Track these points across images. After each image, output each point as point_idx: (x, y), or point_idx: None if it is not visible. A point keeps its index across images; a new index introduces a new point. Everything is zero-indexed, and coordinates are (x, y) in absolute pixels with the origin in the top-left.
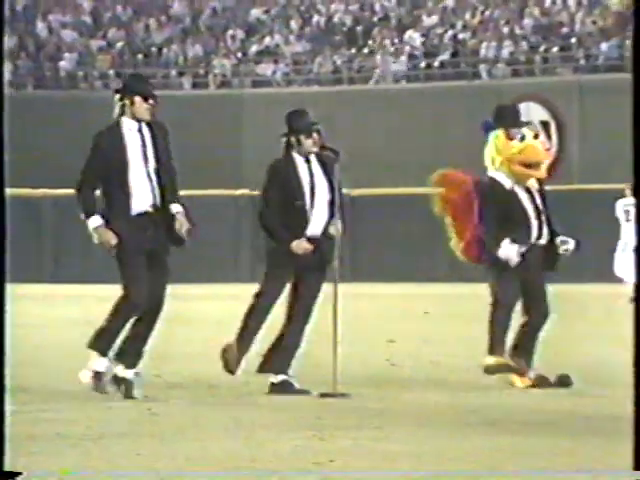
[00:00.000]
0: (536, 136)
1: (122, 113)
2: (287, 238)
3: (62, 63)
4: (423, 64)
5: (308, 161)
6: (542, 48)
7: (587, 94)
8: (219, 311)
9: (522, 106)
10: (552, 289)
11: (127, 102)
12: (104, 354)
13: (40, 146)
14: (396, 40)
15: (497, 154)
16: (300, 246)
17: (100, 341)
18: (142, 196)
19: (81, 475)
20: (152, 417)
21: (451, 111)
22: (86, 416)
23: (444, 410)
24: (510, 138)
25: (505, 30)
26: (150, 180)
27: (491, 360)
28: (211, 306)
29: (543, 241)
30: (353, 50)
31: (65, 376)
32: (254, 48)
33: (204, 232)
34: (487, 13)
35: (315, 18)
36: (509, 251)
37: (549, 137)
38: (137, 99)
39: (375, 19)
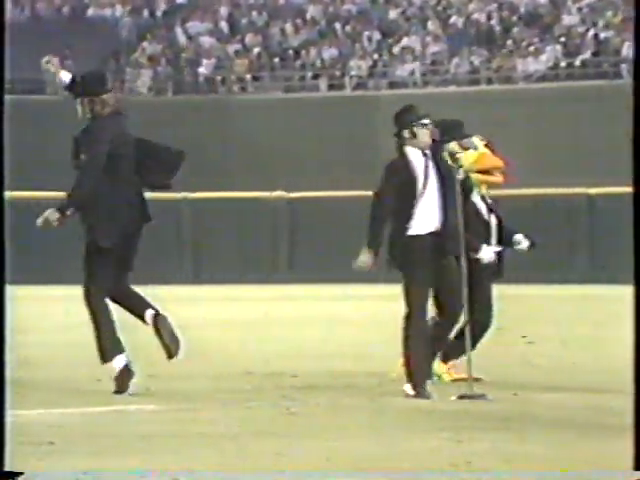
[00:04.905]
0: (487, 144)
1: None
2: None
3: (200, 69)
4: (564, 64)
5: (425, 155)
6: None
7: None
8: (355, 311)
9: None
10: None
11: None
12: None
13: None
14: (536, 39)
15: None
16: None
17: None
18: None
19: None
20: (290, 417)
21: (591, 111)
22: (225, 415)
23: (581, 412)
24: (464, 149)
25: None
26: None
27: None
28: (346, 306)
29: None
30: (491, 50)
31: (204, 376)
32: (390, 49)
33: (338, 233)
34: (629, 11)
35: (453, 18)
36: (486, 253)
37: None
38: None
39: (514, 18)
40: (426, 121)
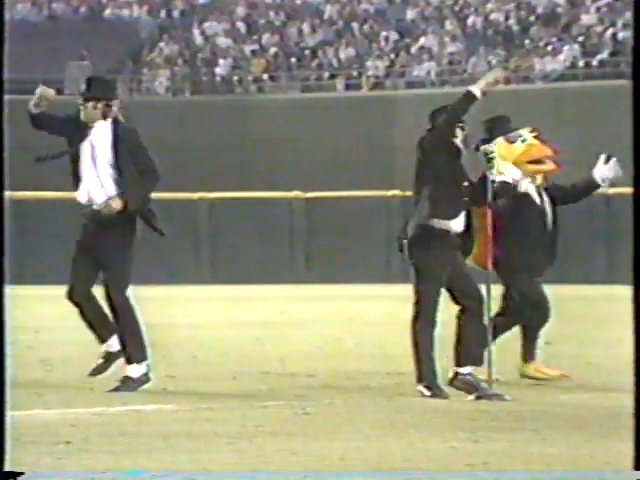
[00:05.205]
0: (536, 136)
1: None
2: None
3: (217, 69)
4: (582, 63)
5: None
6: None
7: None
8: (371, 311)
9: None
10: None
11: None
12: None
13: (199, 148)
14: (554, 39)
15: (503, 160)
16: None
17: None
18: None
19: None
20: (306, 417)
21: (609, 110)
22: (241, 415)
23: (600, 413)
24: (511, 142)
25: None
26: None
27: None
28: (363, 306)
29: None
30: (509, 50)
31: (221, 376)
32: (408, 49)
33: (355, 232)
34: None
35: (470, 18)
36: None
37: None
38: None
39: (532, 18)
40: (463, 123)
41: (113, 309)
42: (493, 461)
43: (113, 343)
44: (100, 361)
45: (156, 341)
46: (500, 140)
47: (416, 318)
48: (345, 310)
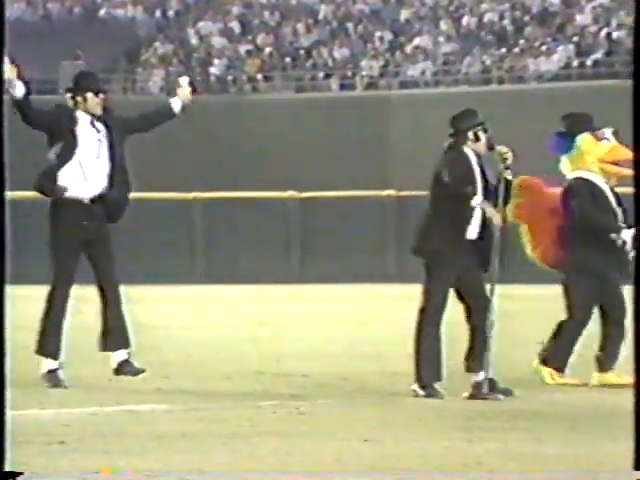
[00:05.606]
0: (616, 136)
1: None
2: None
3: (212, 69)
4: (576, 63)
5: (479, 160)
6: None
7: None
8: (366, 311)
9: None
10: None
11: (79, 98)
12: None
13: (189, 147)
14: (548, 39)
15: (587, 155)
16: None
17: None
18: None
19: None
20: (300, 416)
21: (604, 110)
22: (236, 415)
23: (595, 412)
24: (599, 139)
25: None
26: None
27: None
28: (358, 306)
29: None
30: (503, 50)
31: (215, 376)
32: (402, 49)
33: (350, 232)
34: None
35: (465, 18)
36: (627, 235)
37: None
38: (89, 95)
39: (527, 18)
40: (487, 126)
41: (109, 302)
42: (487, 461)
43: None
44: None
45: (150, 341)
46: (586, 136)
47: (422, 318)
48: (339, 310)
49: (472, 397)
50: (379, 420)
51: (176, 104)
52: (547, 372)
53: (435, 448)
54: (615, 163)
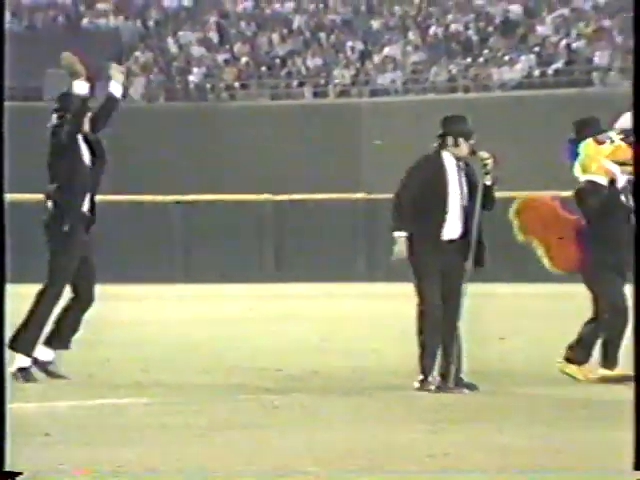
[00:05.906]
0: (623, 138)
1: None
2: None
3: (191, 77)
4: (537, 72)
5: (459, 164)
6: None
7: None
8: (337, 308)
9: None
10: None
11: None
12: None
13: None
14: (511, 49)
15: (591, 160)
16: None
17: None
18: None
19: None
20: (275, 410)
21: (564, 118)
22: (212, 408)
23: (556, 405)
24: (600, 143)
25: (619, 40)
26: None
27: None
28: (330, 304)
29: None
30: (469, 59)
31: (193, 371)
32: (372, 59)
33: (322, 233)
34: (600, 22)
35: (432, 28)
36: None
37: None
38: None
39: (491, 29)
40: (470, 133)
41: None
42: (453, 452)
43: None
44: None
45: (131, 337)
46: (589, 141)
47: (419, 315)
48: (312, 307)
49: (438, 390)
50: (349, 413)
51: (116, 89)
52: (575, 369)
53: (403, 439)
54: (620, 163)
